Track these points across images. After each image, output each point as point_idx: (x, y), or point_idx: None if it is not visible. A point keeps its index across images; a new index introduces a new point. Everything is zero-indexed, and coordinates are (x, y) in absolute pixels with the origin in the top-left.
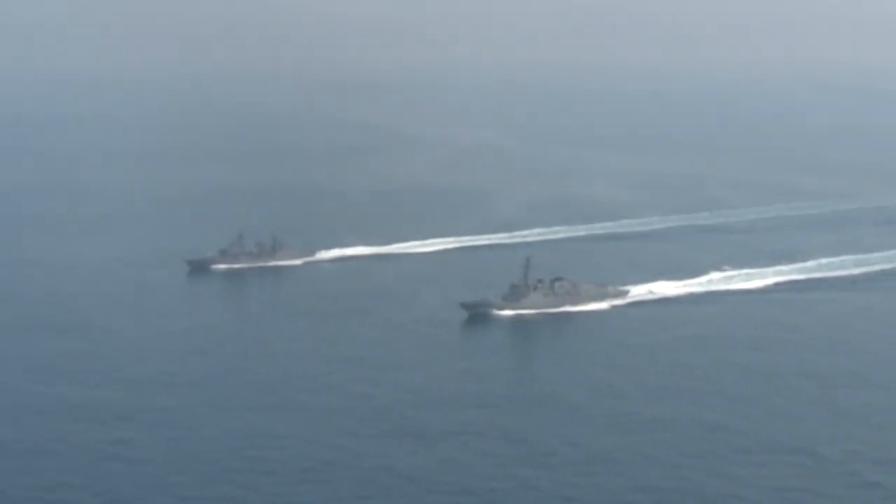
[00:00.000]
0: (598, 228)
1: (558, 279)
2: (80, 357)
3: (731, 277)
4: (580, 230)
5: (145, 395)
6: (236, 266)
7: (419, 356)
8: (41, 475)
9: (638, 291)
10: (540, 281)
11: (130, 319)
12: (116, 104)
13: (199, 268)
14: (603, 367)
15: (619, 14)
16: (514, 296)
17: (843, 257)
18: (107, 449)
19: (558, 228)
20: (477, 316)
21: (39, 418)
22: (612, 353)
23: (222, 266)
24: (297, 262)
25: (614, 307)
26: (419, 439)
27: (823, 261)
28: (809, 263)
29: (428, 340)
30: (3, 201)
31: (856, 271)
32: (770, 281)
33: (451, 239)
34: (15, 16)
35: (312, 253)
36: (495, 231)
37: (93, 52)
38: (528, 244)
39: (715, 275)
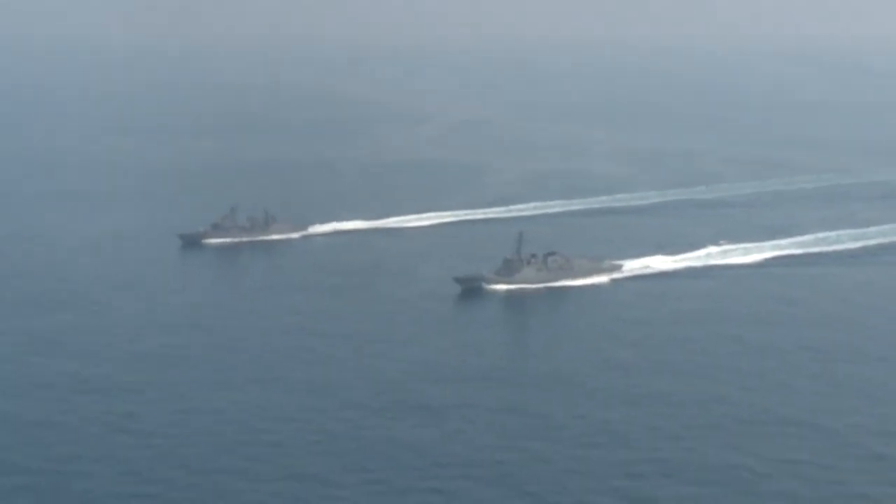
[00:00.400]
0: (592, 203)
1: (551, 254)
2: (79, 332)
3: (728, 252)
4: (574, 205)
5: (148, 369)
6: (228, 240)
7: (416, 330)
8: (52, 447)
9: (633, 266)
10: (533, 255)
11: (126, 294)
12: (105, 78)
13: (191, 242)
14: (601, 342)
15: None
16: (507, 270)
17: (839, 232)
18: (114, 422)
19: (552, 203)
20: (470, 290)
21: (45, 392)
22: (609, 328)
23: (214, 240)
24: (290, 236)
25: (609, 282)
26: (424, 412)
27: (821, 235)
28: (807, 238)
29: (423, 315)
30: None
31: (853, 246)
32: (767, 255)
33: (444, 213)
34: None
35: (305, 227)
36: (489, 205)
37: (83, 24)
38: (522, 218)
39: (711, 249)
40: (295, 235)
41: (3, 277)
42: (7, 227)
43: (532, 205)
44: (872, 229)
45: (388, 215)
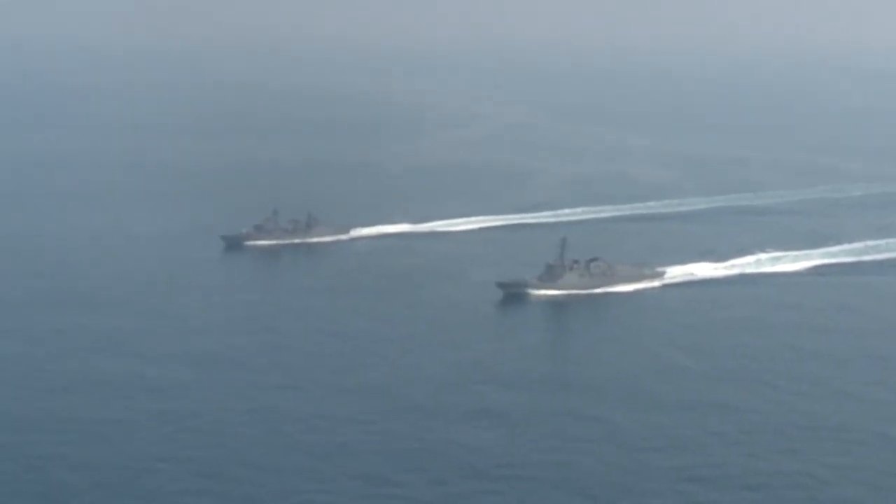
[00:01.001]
0: (637, 208)
1: (594, 259)
2: (132, 332)
3: (777, 259)
4: (618, 210)
5: (206, 370)
6: (271, 242)
7: (460, 335)
8: (119, 445)
9: (676, 272)
10: (576, 261)
11: (174, 295)
12: (148, 77)
13: (233, 244)
14: (651, 347)
15: None
16: (549, 276)
17: (889, 240)
18: (180, 420)
19: (596, 208)
20: (513, 296)
21: (108, 391)
22: (659, 334)
23: (257, 242)
24: (332, 238)
25: (654, 288)
26: (481, 415)
27: (870, 243)
28: (856, 245)
29: (466, 319)
30: (35, 173)
31: None
32: (816, 263)
33: (487, 217)
34: None
35: (347, 230)
36: (531, 210)
37: (120, 23)
38: (566, 223)
39: (760, 256)
40: (338, 238)
41: (50, 277)
42: (51, 225)
43: (576, 210)
44: None
45: (431, 219)
